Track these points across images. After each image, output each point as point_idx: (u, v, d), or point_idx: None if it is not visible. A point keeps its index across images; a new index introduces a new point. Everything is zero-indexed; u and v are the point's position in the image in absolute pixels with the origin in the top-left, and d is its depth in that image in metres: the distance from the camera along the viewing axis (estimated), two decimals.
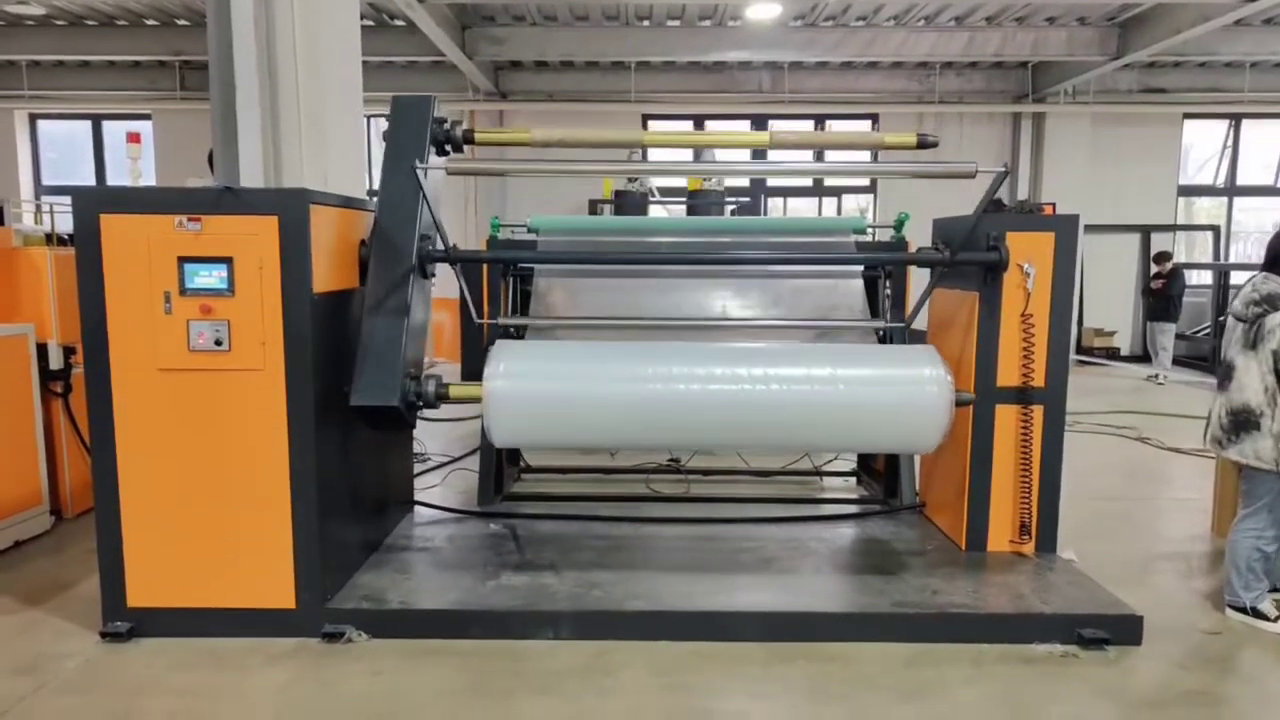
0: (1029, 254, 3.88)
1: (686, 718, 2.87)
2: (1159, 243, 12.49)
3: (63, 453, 4.80)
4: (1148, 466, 6.50)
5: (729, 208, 10.03)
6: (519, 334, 4.57)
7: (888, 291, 4.92)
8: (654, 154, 13.18)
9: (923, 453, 4.08)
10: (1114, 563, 4.21)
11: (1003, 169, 3.76)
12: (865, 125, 13.16)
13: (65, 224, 4.86)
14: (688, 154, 13.10)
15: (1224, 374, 3.76)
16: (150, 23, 10.99)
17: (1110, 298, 12.90)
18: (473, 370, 4.54)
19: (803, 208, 13.49)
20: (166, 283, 3.24)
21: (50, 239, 5.23)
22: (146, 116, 12.84)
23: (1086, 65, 11.21)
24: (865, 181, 13.24)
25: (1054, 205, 4.13)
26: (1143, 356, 12.01)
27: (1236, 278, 12.56)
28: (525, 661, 3.22)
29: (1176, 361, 11.41)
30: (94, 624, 3.40)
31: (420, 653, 3.27)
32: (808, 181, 13.37)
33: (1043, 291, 3.93)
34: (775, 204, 13.36)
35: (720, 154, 10.31)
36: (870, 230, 5.70)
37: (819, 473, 5.83)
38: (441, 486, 5.47)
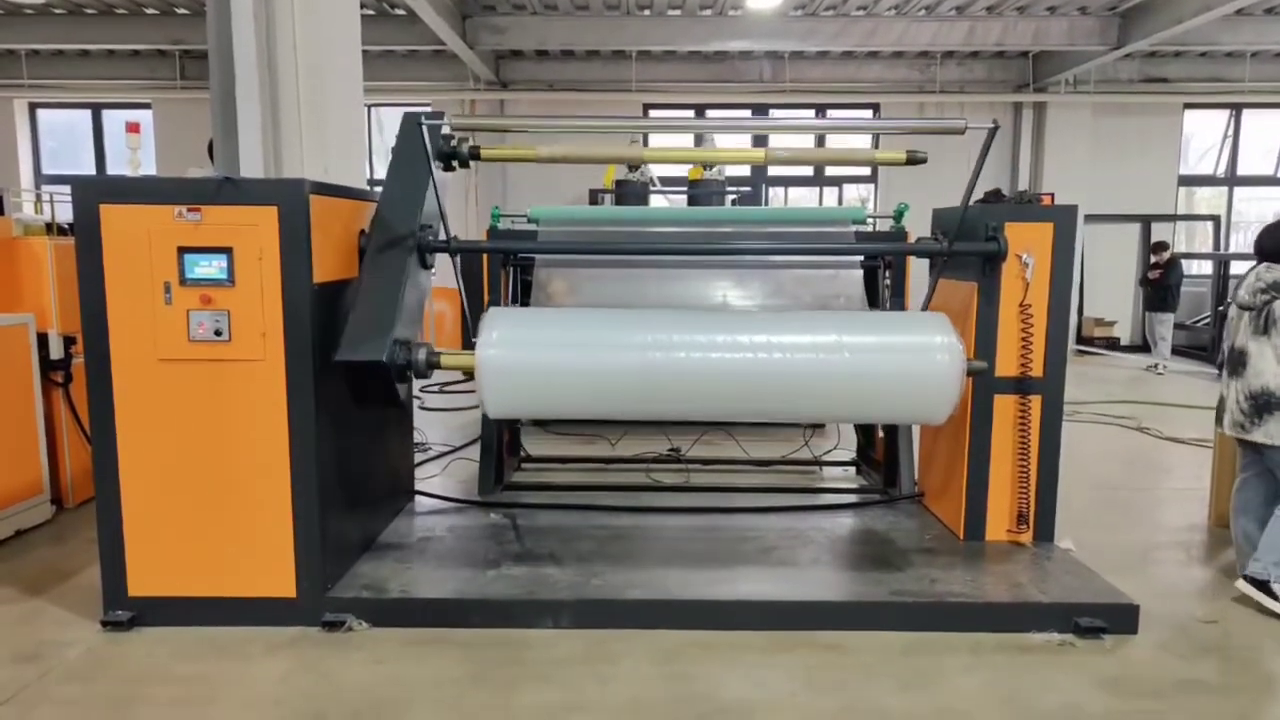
0: (1028, 244, 3.88)
1: (687, 706, 2.89)
2: (1159, 233, 12.49)
3: (63, 442, 4.81)
4: (1146, 456, 6.51)
5: (730, 198, 10.01)
6: None
7: (887, 281, 4.92)
8: (655, 140, 13.19)
9: (932, 424, 3.89)
10: (1112, 552, 4.23)
11: (992, 125, 3.70)
12: (866, 115, 13.13)
13: (65, 213, 4.87)
14: (689, 141, 13.09)
15: (1236, 361, 3.82)
16: (150, 11, 10.95)
17: (1110, 287, 12.91)
18: None
19: (803, 197, 13.49)
20: (166, 273, 3.24)
21: (50, 228, 5.23)
22: (146, 106, 12.82)
23: (1087, 55, 11.18)
24: (866, 171, 13.21)
25: (1053, 195, 4.14)
26: (1142, 346, 12.02)
27: (1236, 267, 12.57)
28: (526, 650, 3.23)
29: (1176, 351, 11.42)
30: (95, 613, 3.42)
31: (421, 641, 3.29)
32: (809, 171, 13.35)
33: (1041, 282, 3.93)
34: (776, 194, 13.35)
35: (720, 139, 10.28)
36: (870, 220, 5.70)
37: (818, 463, 5.84)
38: (442, 476, 5.49)
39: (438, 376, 9.29)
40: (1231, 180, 13.36)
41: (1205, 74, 12.41)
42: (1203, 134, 13.44)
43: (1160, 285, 10.81)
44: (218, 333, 3.27)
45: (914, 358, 3.59)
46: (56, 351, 4.74)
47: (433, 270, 4.02)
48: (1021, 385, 3.97)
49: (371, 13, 10.57)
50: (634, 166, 10.23)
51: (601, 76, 12.40)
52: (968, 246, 3.92)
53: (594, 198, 10.96)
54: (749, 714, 2.85)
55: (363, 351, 3.36)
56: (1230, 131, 13.19)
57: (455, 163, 4.16)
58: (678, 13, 10.81)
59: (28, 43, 11.63)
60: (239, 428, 3.33)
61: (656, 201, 10.58)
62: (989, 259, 3.89)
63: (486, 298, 5.01)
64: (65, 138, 13.73)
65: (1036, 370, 3.97)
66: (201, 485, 3.35)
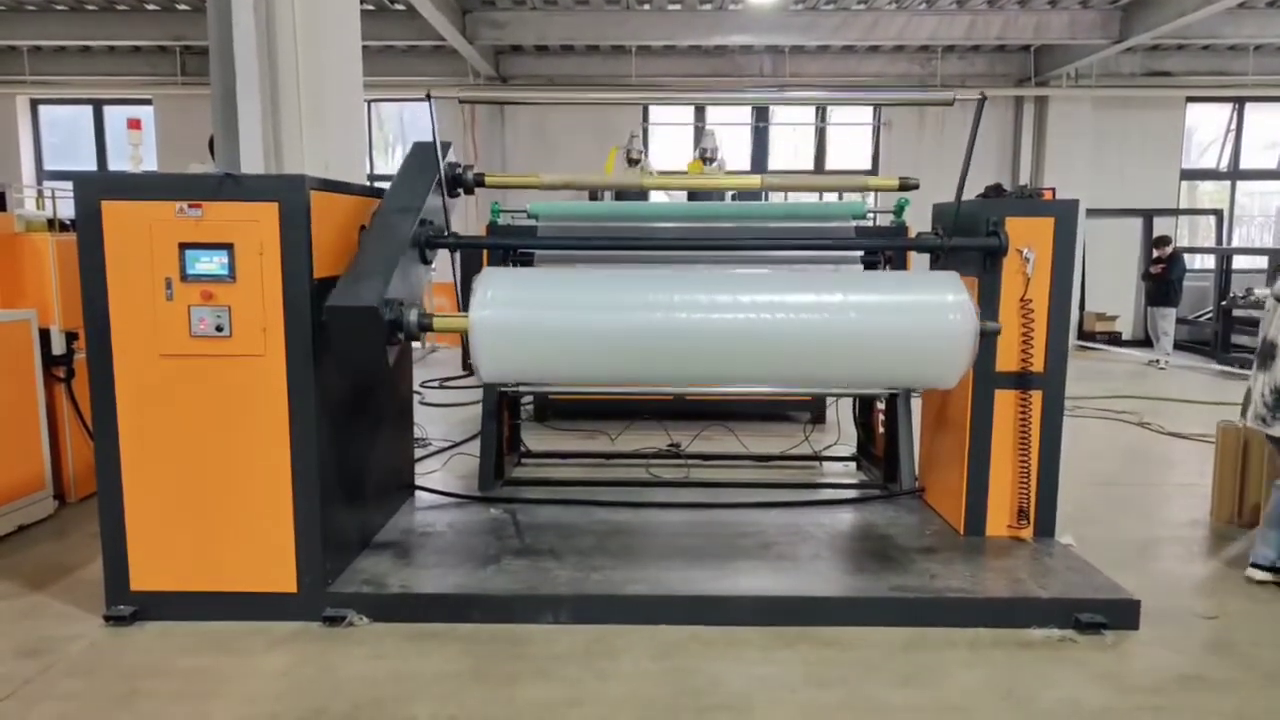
0: (1029, 239, 3.87)
1: (686, 700, 2.89)
2: (1161, 227, 12.46)
3: (66, 437, 4.82)
4: (1148, 451, 6.51)
5: (729, 192, 10.00)
6: None
7: None
8: (655, 133, 13.15)
9: (942, 387, 3.72)
10: (1113, 547, 4.23)
11: (980, 96, 3.65)
12: (867, 110, 13.10)
13: (67, 209, 4.86)
14: (688, 135, 13.07)
15: (1266, 354, 3.85)
16: (151, 7, 10.94)
17: (1112, 281, 12.89)
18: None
19: (804, 193, 13.44)
20: (168, 269, 3.24)
21: (52, 224, 5.23)
22: (147, 102, 12.81)
23: (1089, 48, 11.14)
24: (867, 165, 13.19)
25: (1054, 190, 4.14)
26: (1145, 341, 12.00)
27: (1239, 262, 12.56)
28: (526, 645, 3.24)
29: (1178, 346, 11.40)
30: (98, 607, 3.43)
31: (421, 636, 3.30)
32: (809, 165, 13.32)
33: (1042, 277, 3.93)
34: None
35: (719, 129, 10.25)
36: (870, 215, 5.69)
37: (818, 458, 5.84)
38: (442, 471, 5.50)
39: (438, 370, 9.31)
40: (1234, 174, 13.33)
41: (1208, 67, 12.37)
42: (1205, 128, 13.40)
43: (1162, 280, 10.79)
44: (219, 328, 3.27)
45: (925, 317, 3.47)
46: (59, 347, 4.75)
47: (433, 267, 4.01)
48: (1022, 380, 3.97)
49: (371, 8, 10.55)
50: (633, 160, 10.22)
51: (601, 71, 12.37)
52: (968, 241, 3.91)
53: (594, 193, 10.94)
54: (748, 709, 2.86)
55: (353, 298, 3.22)
56: (1233, 125, 13.14)
57: (460, 189, 4.17)
58: (678, 7, 10.79)
59: (30, 39, 11.63)
60: (240, 423, 3.33)
61: (656, 197, 10.58)
62: (990, 254, 3.89)
63: None
64: (67, 134, 13.74)
65: (1037, 366, 3.97)
66: (203, 480, 3.36)
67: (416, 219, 3.71)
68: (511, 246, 4.95)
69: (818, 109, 13.08)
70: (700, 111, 13.09)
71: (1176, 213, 13.14)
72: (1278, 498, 3.89)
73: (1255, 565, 3.91)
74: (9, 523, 4.37)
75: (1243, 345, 11.13)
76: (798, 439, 6.12)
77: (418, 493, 4.70)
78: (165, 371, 3.30)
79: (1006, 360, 3.97)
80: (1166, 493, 5.50)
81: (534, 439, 6.09)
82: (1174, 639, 3.37)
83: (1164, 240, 10.99)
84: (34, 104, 13.29)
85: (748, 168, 13.03)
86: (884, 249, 4.81)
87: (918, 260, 4.74)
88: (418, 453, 5.23)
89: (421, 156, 4.01)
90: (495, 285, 3.53)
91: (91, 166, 13.16)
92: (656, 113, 13.16)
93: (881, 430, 5.21)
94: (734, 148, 12.82)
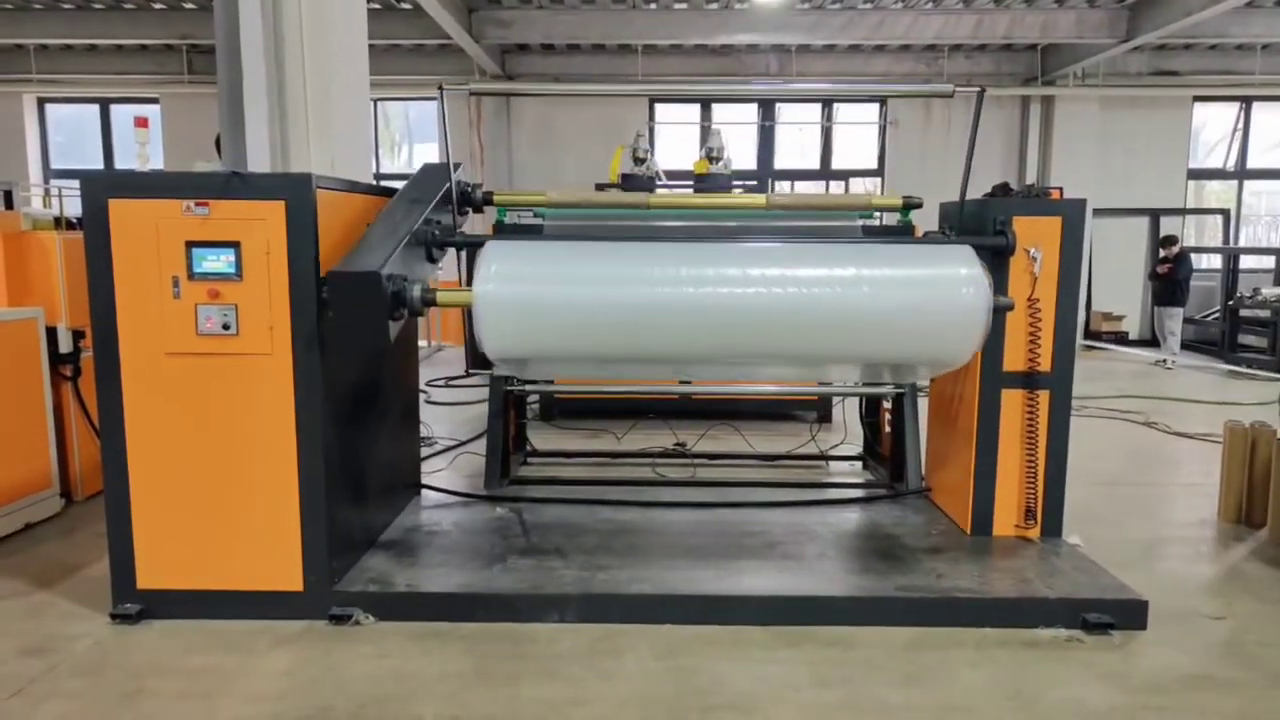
0: (1036, 238, 3.86)
1: (690, 700, 2.89)
2: (1168, 226, 12.42)
3: (73, 436, 4.84)
4: (1155, 451, 6.49)
5: (736, 190, 10.00)
6: None
7: None
8: (661, 132, 13.16)
9: (954, 364, 3.64)
10: (1120, 547, 4.22)
11: (979, 90, 3.64)
12: (873, 109, 13.08)
13: (74, 208, 4.87)
14: (695, 133, 13.06)
15: None
16: (158, 6, 10.98)
17: (1119, 281, 12.86)
18: (480, 358, 4.51)
19: (810, 190, 13.44)
20: (174, 267, 3.25)
21: (59, 223, 5.25)
22: (154, 100, 12.85)
23: (1096, 48, 11.11)
24: (873, 164, 13.17)
25: (1061, 189, 4.13)
26: (1151, 340, 11.97)
27: (1246, 261, 12.51)
28: (530, 645, 3.24)
29: (1185, 346, 11.37)
30: (104, 606, 3.44)
31: (426, 635, 3.30)
32: (815, 164, 13.31)
33: (1050, 276, 3.92)
34: (783, 187, 13.31)
35: (724, 128, 10.25)
36: (877, 215, 5.67)
37: (825, 457, 5.84)
38: (448, 470, 5.50)
39: (444, 369, 9.32)
40: (1241, 174, 13.28)
41: (1215, 66, 12.33)
42: (1212, 127, 13.36)
43: (1169, 280, 10.75)
44: (225, 326, 3.28)
45: (939, 291, 3.42)
46: (65, 345, 4.76)
47: (439, 266, 4.01)
48: (1029, 380, 3.96)
49: (377, 6, 10.56)
50: (639, 159, 10.22)
51: (607, 70, 12.37)
52: (975, 240, 3.89)
53: (600, 190, 10.94)
54: (752, 709, 2.85)
55: (356, 265, 3.19)
56: (1240, 124, 13.10)
57: (469, 208, 4.17)
58: (684, 6, 10.78)
59: (36, 37, 11.67)
60: (246, 421, 3.34)
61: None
62: (997, 253, 3.87)
63: None
64: (73, 132, 13.79)
65: (1045, 365, 3.96)
66: (209, 479, 3.36)
67: (423, 215, 3.71)
68: None
69: (823, 108, 13.06)
70: (706, 110, 13.09)
71: (1183, 212, 13.09)
72: None
73: None
74: (16, 521, 4.39)
75: (1250, 345, 11.09)
76: (804, 438, 6.11)
77: (424, 491, 4.70)
78: (172, 370, 3.30)
79: (1014, 360, 3.96)
80: (1173, 493, 5.48)
81: (539, 438, 6.09)
82: (1181, 639, 3.36)
83: (1171, 240, 10.95)
84: (40, 102, 13.33)
85: (753, 166, 13.03)
86: None
87: None
88: (424, 451, 5.23)
89: (431, 173, 4.02)
90: (499, 259, 3.47)
91: (98, 165, 13.21)
92: (662, 111, 13.16)
93: (888, 430, 5.20)
94: (740, 147, 12.81)
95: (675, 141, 13.30)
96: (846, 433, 6.27)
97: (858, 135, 13.37)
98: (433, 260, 3.85)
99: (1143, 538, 4.53)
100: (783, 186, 13.29)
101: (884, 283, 3.45)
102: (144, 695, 2.90)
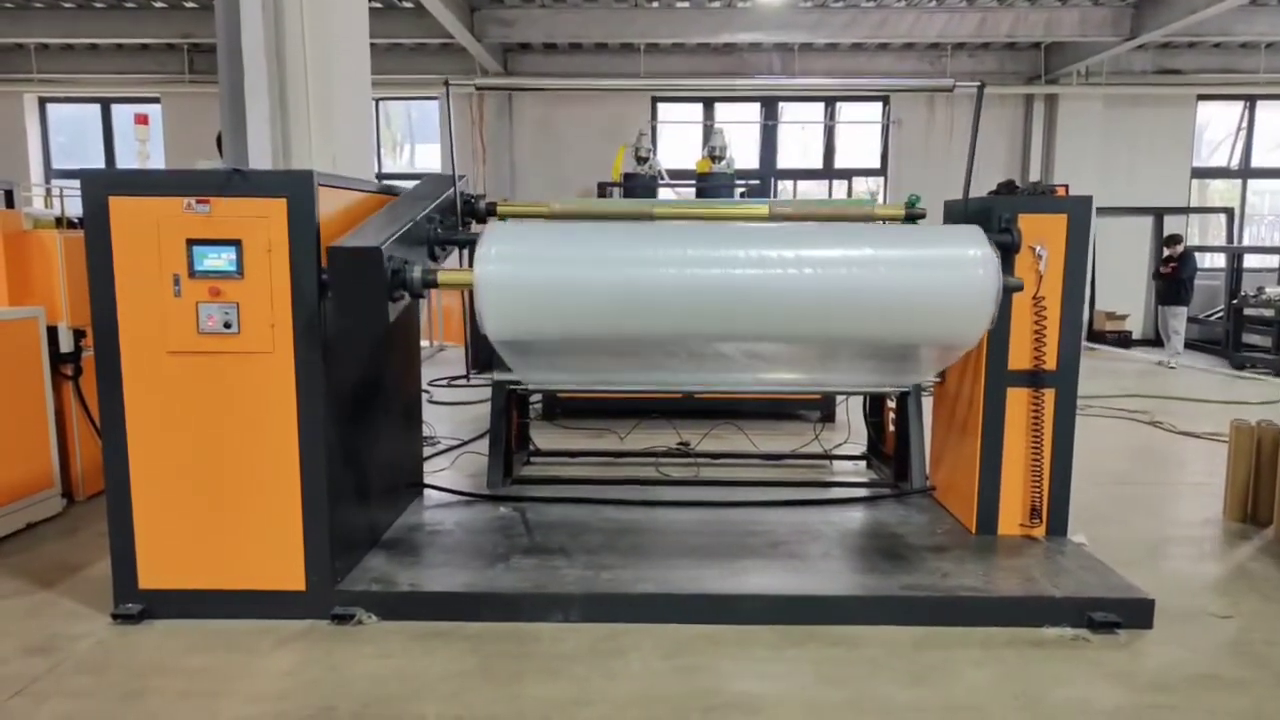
0: (1041, 236, 3.84)
1: (695, 700, 2.87)
2: (1171, 225, 12.40)
3: (74, 436, 4.83)
4: (1160, 450, 6.46)
5: (738, 190, 9.99)
6: None
7: None
8: (664, 131, 13.15)
9: (963, 346, 3.61)
10: (1125, 546, 4.20)
11: (979, 84, 3.64)
12: (876, 108, 13.05)
13: (75, 208, 4.86)
14: (697, 133, 13.05)
15: None
16: (159, 5, 10.98)
17: (1122, 281, 12.83)
18: (484, 359, 4.51)
19: (812, 190, 13.44)
20: (175, 265, 3.23)
21: (60, 223, 5.24)
22: (155, 100, 12.86)
23: (1100, 46, 11.09)
24: (876, 164, 13.15)
25: (1067, 187, 4.11)
26: (1155, 340, 11.94)
27: (1250, 261, 12.48)
28: (534, 644, 3.23)
29: (1189, 346, 11.33)
30: (106, 606, 3.43)
31: (429, 635, 3.28)
32: (818, 164, 13.29)
33: (1055, 274, 3.89)
34: (785, 186, 13.30)
35: (727, 127, 10.24)
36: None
37: (828, 457, 5.82)
38: (451, 470, 5.49)
39: (446, 370, 9.30)
40: (1245, 172, 13.25)
41: (1219, 65, 12.31)
42: (1216, 126, 13.33)
43: (1173, 279, 10.73)
44: (227, 325, 3.26)
45: (950, 271, 3.38)
46: (66, 345, 4.75)
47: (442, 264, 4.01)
48: (1035, 379, 3.94)
49: (379, 5, 10.56)
50: (642, 158, 10.21)
51: (610, 70, 12.36)
52: None
53: (602, 191, 10.96)
54: (757, 708, 2.83)
55: (358, 241, 3.19)
56: (1244, 123, 13.07)
57: (472, 219, 4.17)
58: (686, 5, 10.77)
59: (37, 36, 11.68)
60: (248, 420, 3.32)
61: (665, 195, 10.58)
62: (1002, 250, 3.84)
63: None
64: (75, 133, 13.81)
65: (1050, 363, 3.93)
66: (211, 478, 3.35)
67: (425, 211, 3.70)
68: None
69: (826, 107, 13.04)
70: (709, 110, 13.07)
71: (1187, 211, 13.06)
72: None
73: None
74: (17, 520, 4.38)
75: (1254, 345, 11.06)
76: (807, 438, 6.10)
77: (426, 491, 4.69)
78: (173, 368, 3.29)
79: (1019, 359, 3.94)
80: (1179, 492, 5.45)
81: (542, 438, 6.08)
82: (1188, 638, 3.34)
83: (1175, 239, 10.93)
84: (42, 102, 13.34)
85: (756, 166, 13.01)
86: None
87: None
88: (426, 451, 5.22)
89: (435, 181, 4.02)
90: (500, 240, 3.42)
91: (99, 165, 13.22)
92: (665, 110, 13.15)
93: (892, 429, 5.18)
94: (742, 146, 12.80)
95: (678, 141, 13.29)
96: (850, 432, 6.25)
97: (861, 135, 13.35)
98: (434, 258, 3.84)
99: (1148, 537, 4.50)
100: (785, 186, 13.28)
101: (894, 263, 3.41)
102: (147, 694, 2.88)
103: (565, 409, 7.09)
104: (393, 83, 11.91)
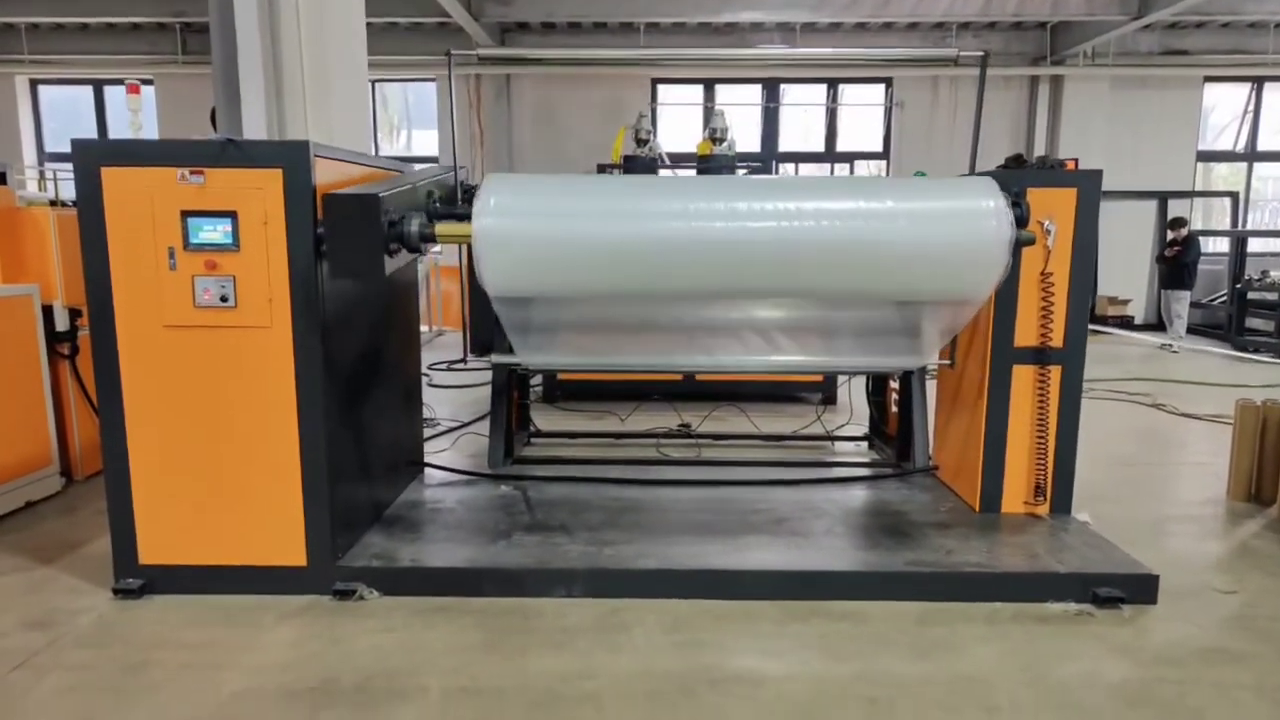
0: (1050, 210, 3.79)
1: (699, 673, 2.85)
2: (1176, 209, 12.33)
3: (71, 415, 4.79)
4: (1163, 432, 6.44)
5: (740, 172, 9.91)
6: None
7: None
8: (664, 114, 13.05)
9: (973, 302, 3.53)
10: (1129, 525, 4.17)
11: (982, 53, 3.58)
12: (879, 90, 12.95)
13: (69, 191, 4.82)
14: (698, 115, 12.96)
15: None
16: None
17: (1125, 265, 12.77)
18: (482, 343, 4.46)
19: (815, 173, 13.36)
20: (170, 238, 3.19)
21: (54, 205, 5.19)
22: (149, 82, 12.75)
23: (1107, 25, 10.98)
24: (879, 146, 13.06)
25: (1076, 161, 4.04)
26: (1157, 325, 11.90)
27: (1254, 245, 12.42)
28: (537, 619, 3.21)
29: (1191, 330, 11.29)
30: (106, 582, 3.41)
31: (432, 610, 3.26)
32: (820, 146, 13.21)
33: (1063, 249, 3.85)
34: (787, 169, 13.22)
35: (728, 109, 10.15)
36: None
37: (831, 437, 5.80)
38: (451, 451, 5.46)
39: (445, 354, 9.27)
40: (1251, 155, 13.16)
41: (1227, 45, 12.20)
42: (1222, 110, 13.23)
43: (1177, 263, 10.68)
44: (224, 299, 3.22)
45: (963, 224, 3.31)
46: (62, 323, 4.70)
47: (438, 250, 3.96)
48: (1041, 355, 3.91)
49: None
50: (642, 140, 10.12)
51: (609, 49, 12.26)
52: None
53: (602, 172, 10.88)
54: (762, 682, 2.81)
55: (359, 190, 3.14)
56: (1251, 106, 12.97)
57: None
58: None
59: (26, 16, 11.56)
60: (247, 395, 3.29)
61: (665, 177, 10.51)
62: None
63: None
64: (68, 117, 13.72)
65: (1056, 340, 3.90)
66: (210, 453, 3.32)
67: (425, 181, 3.65)
68: None
69: (828, 89, 12.94)
70: (709, 91, 12.98)
71: (1191, 195, 12.98)
72: None
73: None
74: (16, 499, 4.35)
75: (1257, 329, 11.02)
76: (809, 419, 6.07)
77: (427, 470, 4.66)
78: (170, 343, 3.25)
79: (1025, 335, 3.91)
80: (1182, 472, 5.43)
81: (543, 420, 6.06)
82: (1193, 614, 3.32)
83: (1180, 222, 10.87)
84: (33, 84, 13.24)
85: (758, 148, 12.92)
86: None
87: None
88: (426, 432, 5.19)
89: (435, 168, 3.97)
90: (499, 192, 3.33)
91: None
92: (665, 92, 13.06)
93: (894, 409, 5.15)
94: (744, 130, 12.72)
95: (678, 124, 13.20)
96: (852, 414, 6.23)
97: (863, 117, 13.26)
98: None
99: (1152, 516, 4.48)
100: (787, 169, 13.19)
101: (907, 214, 3.32)
102: (149, 667, 2.86)
103: (565, 391, 7.06)
104: (389, 64, 11.81)
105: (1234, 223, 12.95)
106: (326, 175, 3.31)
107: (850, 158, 13.13)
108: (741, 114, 12.79)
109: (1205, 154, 13.07)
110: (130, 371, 3.27)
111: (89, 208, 3.18)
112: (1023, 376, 3.94)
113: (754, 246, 3.28)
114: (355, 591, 3.34)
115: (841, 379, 6.99)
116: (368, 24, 4.99)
